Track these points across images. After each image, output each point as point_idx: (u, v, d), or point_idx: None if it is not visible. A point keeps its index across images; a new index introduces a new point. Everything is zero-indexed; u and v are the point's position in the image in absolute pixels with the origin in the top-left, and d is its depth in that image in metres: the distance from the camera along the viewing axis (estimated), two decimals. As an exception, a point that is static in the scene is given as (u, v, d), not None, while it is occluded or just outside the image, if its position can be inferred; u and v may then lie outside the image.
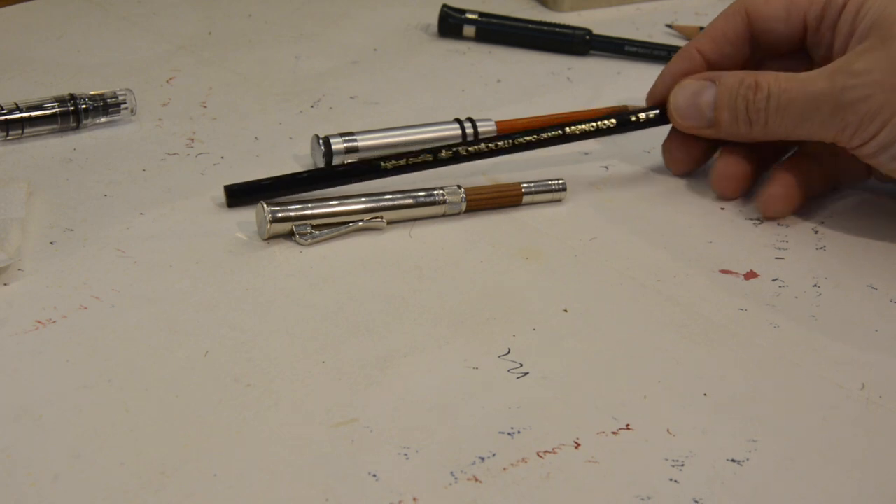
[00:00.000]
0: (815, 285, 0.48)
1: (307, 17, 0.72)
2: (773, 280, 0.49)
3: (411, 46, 0.69)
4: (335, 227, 0.49)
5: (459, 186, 0.52)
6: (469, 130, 0.57)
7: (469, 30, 0.70)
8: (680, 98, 0.53)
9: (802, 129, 0.50)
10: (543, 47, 0.68)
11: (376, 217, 0.50)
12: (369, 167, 0.52)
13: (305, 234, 0.49)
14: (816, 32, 0.51)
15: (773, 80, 0.50)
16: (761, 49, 0.54)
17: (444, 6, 0.70)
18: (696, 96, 0.52)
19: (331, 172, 0.52)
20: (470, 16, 0.70)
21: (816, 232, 0.52)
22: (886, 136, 0.47)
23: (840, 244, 0.51)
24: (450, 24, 0.70)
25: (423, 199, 0.51)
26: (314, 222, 0.49)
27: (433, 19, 0.71)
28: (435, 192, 0.51)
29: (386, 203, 0.50)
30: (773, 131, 0.50)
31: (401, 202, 0.50)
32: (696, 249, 0.50)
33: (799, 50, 0.53)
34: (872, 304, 0.47)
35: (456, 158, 0.53)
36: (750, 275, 0.49)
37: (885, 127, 0.47)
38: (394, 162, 0.52)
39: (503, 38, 0.70)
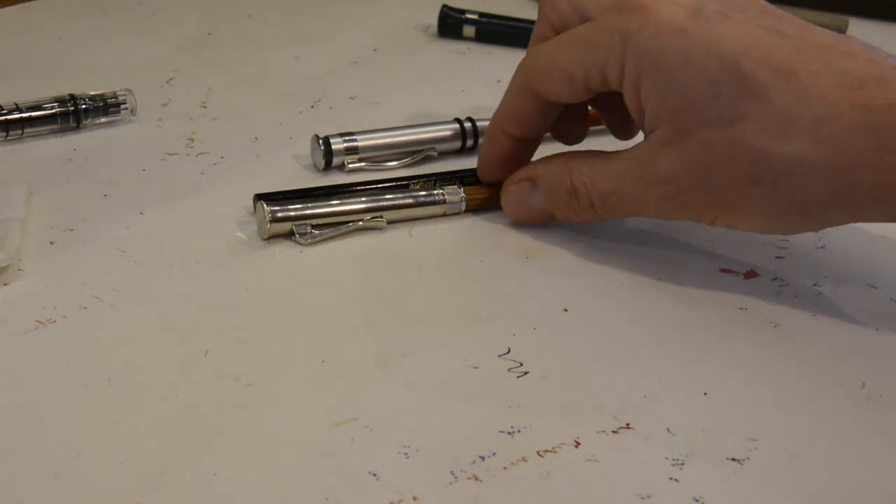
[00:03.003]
0: (815, 285, 0.48)
1: (307, 18, 0.72)
2: (773, 279, 0.49)
3: (411, 46, 0.69)
4: (335, 226, 0.49)
5: (459, 186, 0.52)
6: (469, 130, 0.57)
7: (469, 30, 0.70)
8: (511, 207, 0.51)
9: (637, 215, 0.48)
10: (543, 47, 0.68)
11: (376, 217, 0.50)
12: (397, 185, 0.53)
13: (305, 233, 0.49)
14: (610, 94, 0.47)
15: (590, 183, 0.47)
16: (570, 109, 0.50)
17: (444, 6, 0.70)
18: (524, 200, 0.50)
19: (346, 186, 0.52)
20: (470, 16, 0.70)
21: (816, 231, 0.52)
22: (724, 224, 0.45)
23: (840, 244, 0.51)
24: (450, 24, 0.70)
25: (423, 198, 0.51)
26: (314, 222, 0.49)
27: (433, 19, 0.71)
28: (435, 192, 0.51)
29: (386, 203, 0.50)
30: (613, 219, 0.49)
31: (401, 202, 0.50)
32: (696, 249, 0.50)
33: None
34: (872, 304, 0.47)
35: (480, 181, 0.53)
36: (750, 274, 0.49)
37: (717, 220, 0.45)
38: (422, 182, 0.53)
39: (503, 38, 0.70)
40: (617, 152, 0.47)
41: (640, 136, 0.47)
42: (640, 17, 0.44)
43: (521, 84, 0.49)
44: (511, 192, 0.51)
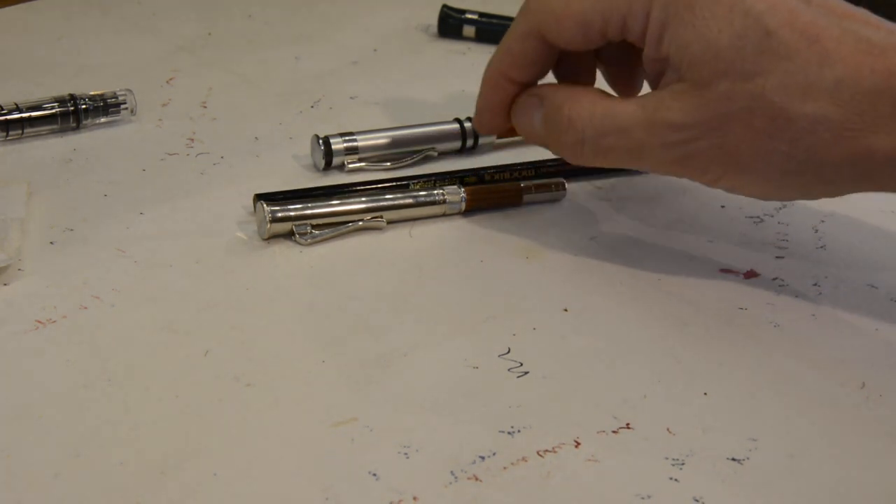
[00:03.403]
0: (815, 284, 0.48)
1: (307, 18, 0.72)
2: (773, 279, 0.49)
3: (411, 46, 0.69)
4: (335, 226, 0.49)
5: (459, 186, 0.52)
6: (469, 130, 0.57)
7: (469, 30, 0.70)
8: (517, 117, 0.50)
9: (628, 165, 0.47)
10: (543, 47, 0.68)
11: (376, 217, 0.50)
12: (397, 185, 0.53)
13: (305, 233, 0.49)
14: (624, 42, 0.47)
15: (589, 120, 0.46)
16: (575, 59, 0.50)
17: (444, 6, 0.70)
18: (529, 115, 0.49)
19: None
20: (470, 16, 0.70)
21: (816, 231, 0.52)
22: (726, 185, 0.45)
23: (840, 244, 0.51)
24: (450, 24, 0.70)
25: (423, 198, 0.51)
26: (314, 222, 0.49)
27: (433, 19, 0.71)
28: (435, 191, 0.51)
29: (386, 203, 0.50)
30: (598, 165, 0.48)
31: (401, 202, 0.50)
32: (696, 249, 0.50)
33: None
34: (872, 304, 0.47)
35: (480, 181, 0.53)
36: (750, 274, 0.49)
37: (720, 179, 0.45)
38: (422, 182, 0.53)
39: (503, 38, 0.69)
40: (627, 97, 0.47)
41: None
42: None
43: (527, 29, 0.48)
44: (521, 102, 0.49)
